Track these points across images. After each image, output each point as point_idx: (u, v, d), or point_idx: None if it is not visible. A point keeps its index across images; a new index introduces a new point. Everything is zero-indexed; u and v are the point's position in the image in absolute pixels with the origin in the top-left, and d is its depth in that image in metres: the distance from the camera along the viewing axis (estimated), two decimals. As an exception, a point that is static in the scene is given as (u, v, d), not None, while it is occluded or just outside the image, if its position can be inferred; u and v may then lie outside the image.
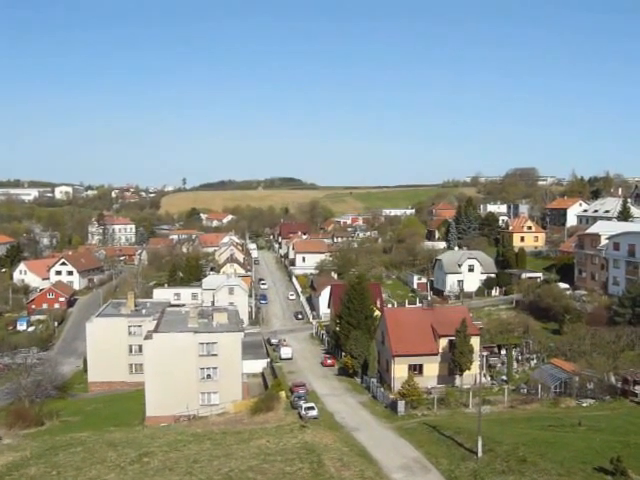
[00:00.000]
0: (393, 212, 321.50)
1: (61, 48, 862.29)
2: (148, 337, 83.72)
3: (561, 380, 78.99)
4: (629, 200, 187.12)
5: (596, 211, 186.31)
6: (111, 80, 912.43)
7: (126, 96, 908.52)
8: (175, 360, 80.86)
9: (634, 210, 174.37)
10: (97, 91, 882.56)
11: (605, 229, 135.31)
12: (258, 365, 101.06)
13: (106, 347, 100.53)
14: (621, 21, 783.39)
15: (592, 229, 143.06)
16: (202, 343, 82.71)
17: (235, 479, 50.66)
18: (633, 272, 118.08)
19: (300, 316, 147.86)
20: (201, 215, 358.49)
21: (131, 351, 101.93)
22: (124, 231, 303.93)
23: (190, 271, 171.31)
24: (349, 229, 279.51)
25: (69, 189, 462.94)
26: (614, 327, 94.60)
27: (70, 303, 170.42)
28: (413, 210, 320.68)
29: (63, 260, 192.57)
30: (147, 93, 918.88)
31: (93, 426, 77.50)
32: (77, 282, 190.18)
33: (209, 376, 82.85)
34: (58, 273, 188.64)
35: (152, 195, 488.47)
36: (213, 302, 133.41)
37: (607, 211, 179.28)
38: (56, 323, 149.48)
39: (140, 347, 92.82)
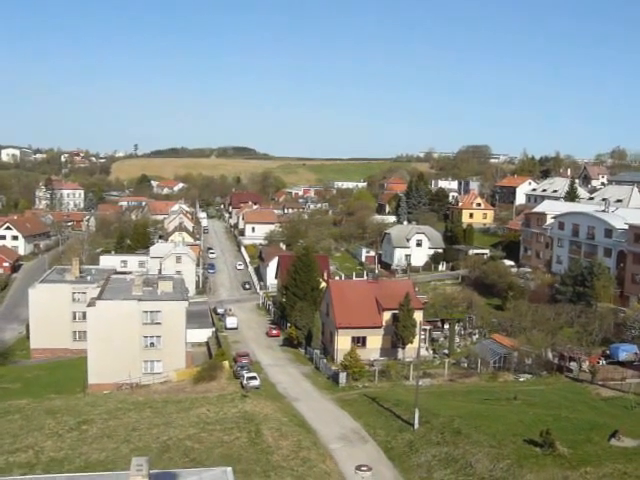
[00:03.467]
0: (345, 185, 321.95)
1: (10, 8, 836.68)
2: (91, 304, 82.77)
3: (500, 355, 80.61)
4: (577, 181, 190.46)
5: (544, 190, 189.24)
6: (62, 43, 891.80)
7: (78, 59, 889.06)
8: (118, 328, 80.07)
9: (581, 191, 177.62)
10: (49, 53, 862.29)
11: (551, 208, 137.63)
12: (203, 334, 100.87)
13: (49, 314, 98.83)
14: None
15: (539, 208, 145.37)
16: (146, 311, 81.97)
17: (172, 447, 50.88)
18: (576, 251, 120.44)
19: (247, 286, 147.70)
20: (152, 182, 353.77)
21: (75, 318, 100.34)
22: (73, 196, 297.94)
23: (138, 238, 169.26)
24: (300, 200, 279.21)
25: (16, 152, 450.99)
26: (555, 305, 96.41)
27: (14, 268, 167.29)
28: (365, 183, 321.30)
29: (8, 224, 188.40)
30: (100, 57, 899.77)
31: (33, 393, 76.49)
32: (22, 247, 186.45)
33: (152, 344, 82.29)
34: (2, 238, 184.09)
35: (102, 160, 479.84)
36: (160, 270, 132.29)
37: (555, 191, 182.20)
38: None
39: (84, 314, 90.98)
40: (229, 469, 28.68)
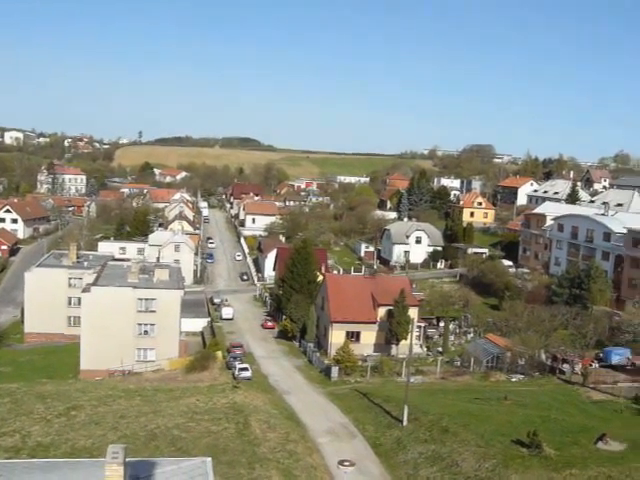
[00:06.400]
0: (347, 179, 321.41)
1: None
2: (86, 290, 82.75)
3: (493, 354, 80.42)
4: (579, 184, 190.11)
5: (546, 192, 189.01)
6: (68, 26, 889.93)
7: (84, 44, 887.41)
8: (112, 314, 80.00)
9: (583, 194, 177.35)
10: (54, 37, 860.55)
11: (551, 210, 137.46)
12: (198, 324, 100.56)
13: (45, 298, 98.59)
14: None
15: (539, 209, 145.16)
16: (141, 299, 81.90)
17: (159, 436, 50.87)
18: (574, 254, 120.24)
19: (245, 277, 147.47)
20: (155, 170, 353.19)
21: (70, 303, 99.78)
22: (74, 181, 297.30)
23: (138, 226, 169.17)
24: (302, 193, 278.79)
25: (20, 135, 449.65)
26: (551, 306, 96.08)
27: (12, 252, 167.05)
28: (368, 178, 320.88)
29: (7, 207, 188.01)
30: (106, 43, 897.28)
31: (25, 377, 76.47)
32: (21, 231, 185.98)
33: (146, 332, 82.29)
34: (2, 220, 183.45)
35: (106, 146, 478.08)
36: (158, 258, 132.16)
37: (556, 193, 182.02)
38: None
39: (79, 300, 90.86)
40: (208, 459, 28.49)
